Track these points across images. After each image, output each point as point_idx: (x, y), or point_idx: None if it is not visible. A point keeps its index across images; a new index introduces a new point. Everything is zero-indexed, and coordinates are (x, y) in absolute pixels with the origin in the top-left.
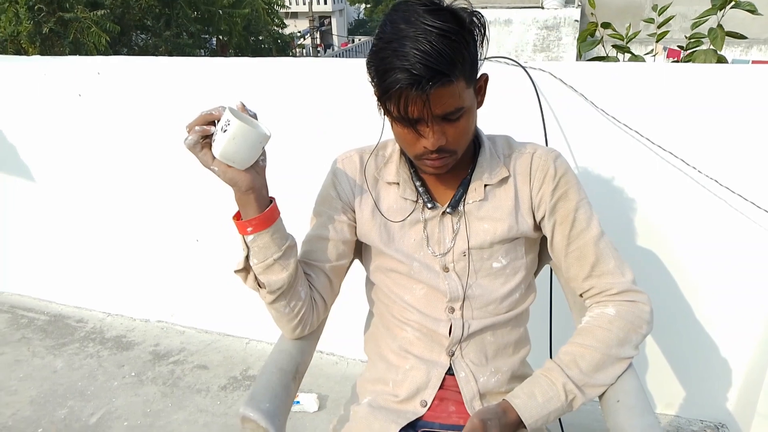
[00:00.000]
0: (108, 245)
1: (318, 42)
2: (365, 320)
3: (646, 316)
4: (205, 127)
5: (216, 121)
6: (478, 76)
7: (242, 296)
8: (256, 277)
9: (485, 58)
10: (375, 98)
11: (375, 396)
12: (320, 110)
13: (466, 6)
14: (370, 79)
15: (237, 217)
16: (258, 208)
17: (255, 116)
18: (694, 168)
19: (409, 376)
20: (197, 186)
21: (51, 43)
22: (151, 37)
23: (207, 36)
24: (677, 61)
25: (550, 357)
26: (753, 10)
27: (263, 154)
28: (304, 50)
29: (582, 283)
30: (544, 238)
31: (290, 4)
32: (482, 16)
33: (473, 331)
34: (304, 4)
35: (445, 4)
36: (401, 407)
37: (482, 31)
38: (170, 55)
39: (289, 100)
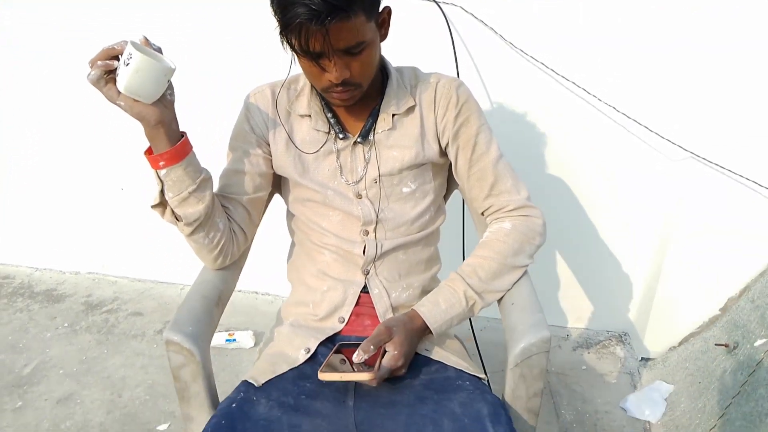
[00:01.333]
0: (32, 199)
1: None
2: (288, 252)
3: (539, 228)
4: (107, 61)
5: (119, 56)
6: (381, 9)
7: (175, 243)
8: (173, 211)
9: None
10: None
11: (297, 317)
12: (231, 44)
13: None
14: (272, 12)
15: (149, 152)
16: (168, 142)
17: (159, 50)
18: (595, 96)
19: (327, 297)
20: (118, 133)
21: None
22: None
23: None
24: None
25: None
26: None
27: (170, 87)
28: None
29: (482, 202)
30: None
31: None
32: None
33: (386, 250)
34: None
35: None
36: (321, 324)
37: None
38: None
39: (197, 33)
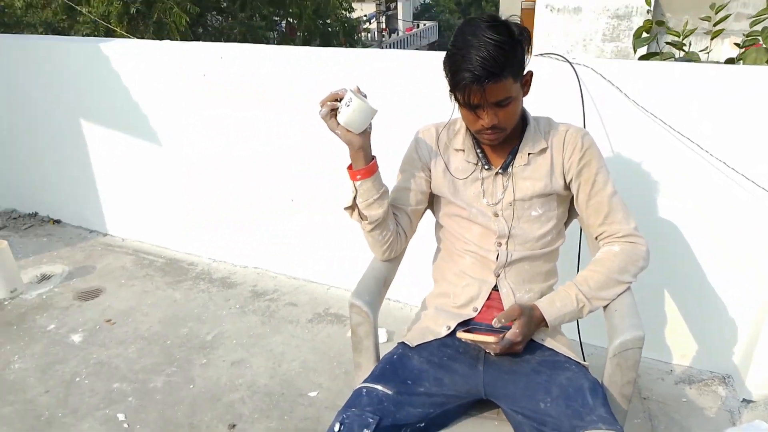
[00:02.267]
0: (215, 203)
1: (383, 26)
2: (433, 256)
3: (642, 253)
4: (333, 102)
5: (340, 99)
6: (525, 72)
7: (325, 249)
8: (360, 213)
9: (540, 54)
10: (448, 88)
11: (440, 304)
12: (407, 94)
13: (516, 22)
14: (445, 75)
15: (350, 168)
16: (365, 162)
17: (366, 96)
18: (707, 152)
19: (465, 291)
20: (292, 156)
21: (137, 23)
22: (227, 19)
23: (278, 18)
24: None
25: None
26: None
27: (370, 125)
28: (369, 34)
29: (597, 228)
30: (573, 201)
31: None
32: (527, 30)
33: (514, 259)
34: None
35: (502, 20)
36: (458, 311)
37: (529, 40)
38: (244, 36)
39: (383, 84)
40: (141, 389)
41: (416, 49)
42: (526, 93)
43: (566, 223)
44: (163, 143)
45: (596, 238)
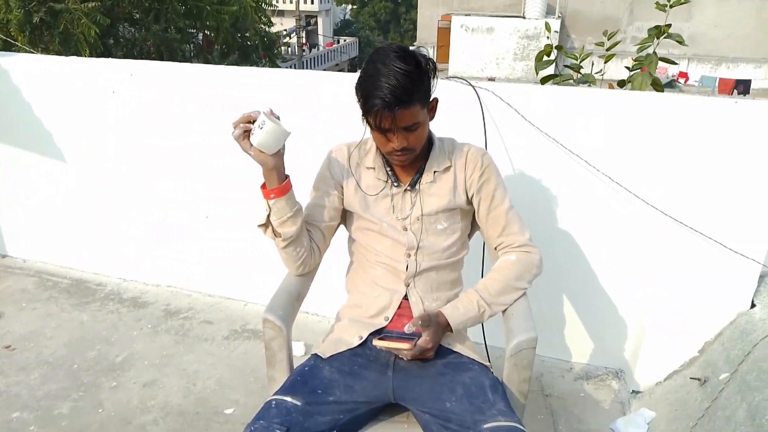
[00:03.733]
0: (125, 220)
1: (304, 41)
2: (346, 270)
3: (536, 261)
4: (247, 124)
5: (253, 120)
6: (431, 99)
7: (241, 266)
8: (273, 230)
9: (446, 78)
10: (360, 112)
11: (353, 315)
12: (318, 113)
13: (423, 54)
14: (357, 100)
15: (263, 187)
16: (278, 181)
17: (279, 118)
18: (596, 168)
19: (376, 300)
20: (207, 173)
21: (40, 33)
22: (140, 30)
23: (194, 31)
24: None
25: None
26: (681, 41)
27: (284, 145)
28: (289, 49)
29: (496, 239)
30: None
31: (277, 2)
32: (433, 61)
33: (422, 269)
34: (291, 2)
35: (409, 51)
36: (371, 321)
37: (434, 70)
38: (158, 48)
39: (294, 105)
40: (44, 417)
41: (336, 64)
42: (432, 117)
43: (470, 235)
44: (69, 160)
45: (495, 248)
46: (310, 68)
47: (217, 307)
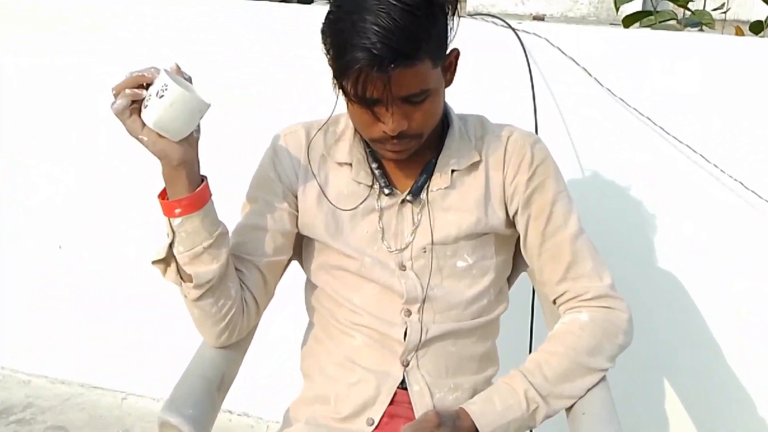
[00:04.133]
0: None
1: None
2: (303, 335)
3: (623, 324)
4: (136, 90)
5: (146, 85)
6: (448, 52)
7: (118, 333)
8: (178, 269)
9: (470, 15)
10: (330, 71)
11: (312, 415)
12: (259, 68)
13: None
14: (324, 51)
15: (162, 195)
16: (189, 187)
17: (190, 80)
18: (703, 157)
19: (354, 391)
20: (60, 181)
21: None
22: None
23: None
24: None
25: None
26: None
27: (198, 126)
28: None
29: (555, 287)
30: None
31: None
32: None
33: (432, 336)
34: None
35: None
36: (343, 426)
37: (454, 4)
38: None
39: (222, 49)
40: None
41: None
42: (449, 82)
43: (510, 280)
44: None
45: (554, 301)
46: None
47: (75, 403)
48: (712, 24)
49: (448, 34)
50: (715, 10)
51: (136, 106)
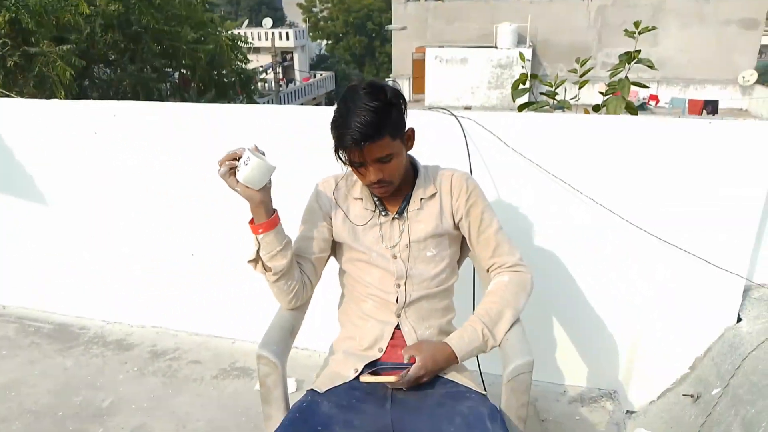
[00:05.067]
0: (107, 261)
1: (280, 77)
2: (338, 301)
3: (529, 280)
4: (232, 161)
5: (238, 157)
6: (406, 129)
7: (228, 303)
8: (263, 265)
9: (429, 108)
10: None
11: (347, 348)
12: (305, 147)
13: (393, 87)
14: (332, 136)
15: (251, 222)
16: (266, 216)
17: (264, 153)
18: (579, 191)
19: (369, 332)
20: (192, 210)
21: (15, 77)
22: (115, 71)
23: (170, 70)
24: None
25: None
26: (651, 66)
27: (270, 180)
28: (267, 84)
29: (487, 261)
30: (464, 239)
31: (253, 40)
32: (401, 93)
33: (413, 299)
34: (267, 39)
35: (378, 86)
36: (365, 353)
37: (404, 102)
38: (134, 88)
39: (281, 140)
40: None
41: (314, 97)
42: (410, 147)
43: (459, 262)
44: (50, 203)
45: (487, 270)
46: (288, 103)
47: (205, 346)
48: (569, 107)
49: (403, 118)
50: (571, 99)
51: (233, 171)
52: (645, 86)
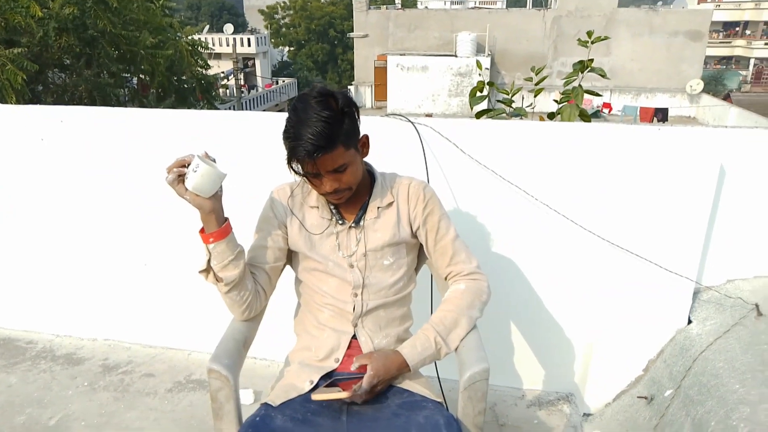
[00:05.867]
0: (57, 272)
1: (242, 83)
2: (294, 311)
3: (485, 288)
4: (180, 168)
5: (187, 164)
6: (360, 136)
7: (183, 313)
8: (215, 275)
9: (387, 115)
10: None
11: (302, 359)
12: (259, 153)
13: (345, 94)
14: (285, 147)
15: (202, 231)
16: (217, 224)
17: (214, 160)
18: (533, 197)
19: (325, 342)
20: (143, 220)
21: None
22: (71, 76)
23: (128, 75)
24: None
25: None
26: (603, 74)
27: (221, 188)
28: (228, 90)
29: (445, 269)
30: (421, 247)
31: (214, 45)
32: (352, 99)
33: (370, 308)
34: (228, 45)
35: (329, 93)
36: (321, 364)
37: (356, 110)
38: (90, 94)
39: (235, 147)
40: None
41: (276, 104)
42: (365, 154)
43: (416, 269)
44: None
45: (445, 278)
46: (250, 109)
47: (159, 359)
48: (525, 115)
49: (356, 127)
50: (527, 106)
51: (182, 178)
52: (598, 94)
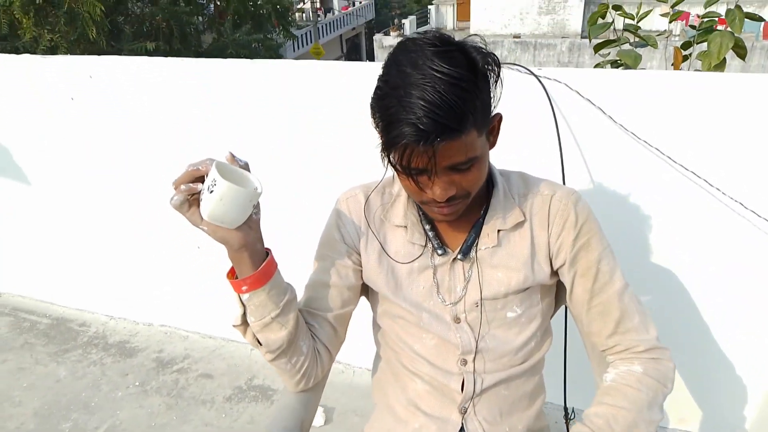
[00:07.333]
0: (111, 248)
1: (318, 6)
2: (373, 360)
3: (670, 374)
4: (191, 185)
5: (204, 177)
6: (492, 116)
7: None
8: (254, 336)
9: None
10: (378, 145)
11: None
12: (321, 122)
13: (479, 45)
14: (374, 125)
15: (231, 274)
16: (252, 266)
17: (246, 166)
18: (706, 181)
19: None
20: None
21: (45, 13)
22: (148, 5)
23: (204, 2)
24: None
25: (564, 401)
26: None
27: (257, 206)
28: (304, 14)
29: (606, 340)
30: (560, 285)
31: None
32: (496, 57)
33: (487, 386)
34: None
35: (456, 43)
36: None
37: (497, 73)
38: (167, 22)
39: (286, 107)
40: None
41: (353, 28)
42: (493, 145)
43: (551, 315)
44: (42, 179)
45: (604, 350)
46: (326, 34)
47: (219, 354)
48: (655, 45)
49: (491, 100)
50: (658, 35)
51: (196, 198)
52: (759, 18)
